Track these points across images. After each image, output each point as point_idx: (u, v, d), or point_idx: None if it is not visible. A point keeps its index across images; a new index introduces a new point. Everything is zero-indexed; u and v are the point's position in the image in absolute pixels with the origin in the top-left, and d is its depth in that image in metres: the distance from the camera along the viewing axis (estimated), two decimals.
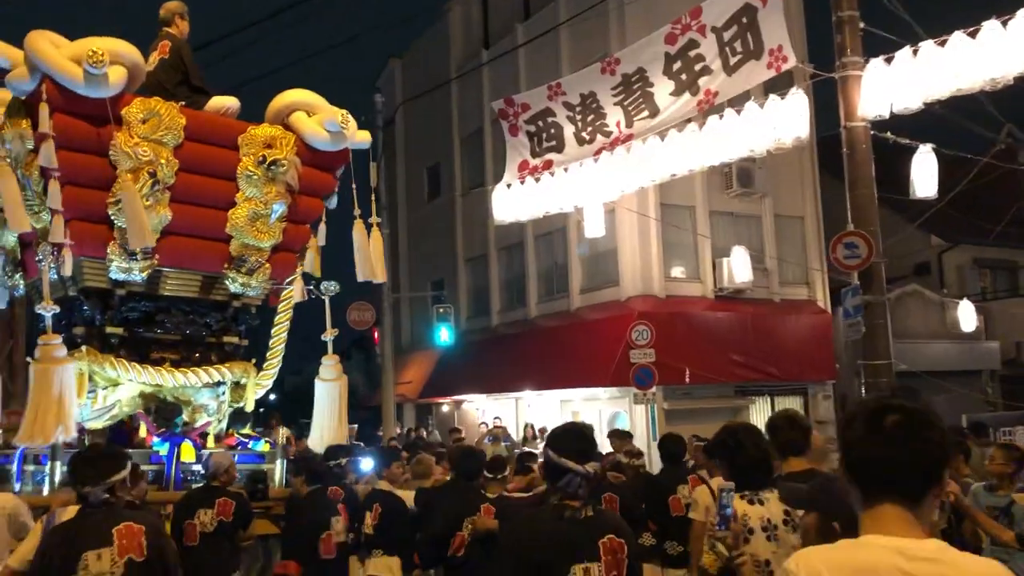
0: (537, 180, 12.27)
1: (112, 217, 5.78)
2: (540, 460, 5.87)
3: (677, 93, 10.81)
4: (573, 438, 2.95)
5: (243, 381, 6.67)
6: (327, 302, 7.27)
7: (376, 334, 18.33)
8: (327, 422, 7.09)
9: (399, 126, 22.18)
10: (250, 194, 6.26)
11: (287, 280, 6.92)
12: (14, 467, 5.94)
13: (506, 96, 12.72)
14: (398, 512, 6.09)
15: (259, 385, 6.87)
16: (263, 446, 6.86)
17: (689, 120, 10.91)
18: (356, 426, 10.19)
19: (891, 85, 9.12)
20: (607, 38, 15.28)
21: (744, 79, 10.39)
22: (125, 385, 6.13)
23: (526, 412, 17.22)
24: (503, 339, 18.21)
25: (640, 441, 13.93)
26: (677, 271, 15.63)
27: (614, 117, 11.33)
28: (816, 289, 16.89)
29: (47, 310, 5.46)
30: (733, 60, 10.32)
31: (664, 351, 13.48)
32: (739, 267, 15.24)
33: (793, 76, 12.11)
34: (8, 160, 5.63)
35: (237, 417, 7.15)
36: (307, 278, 7.24)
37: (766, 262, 16.04)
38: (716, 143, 10.65)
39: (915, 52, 8.92)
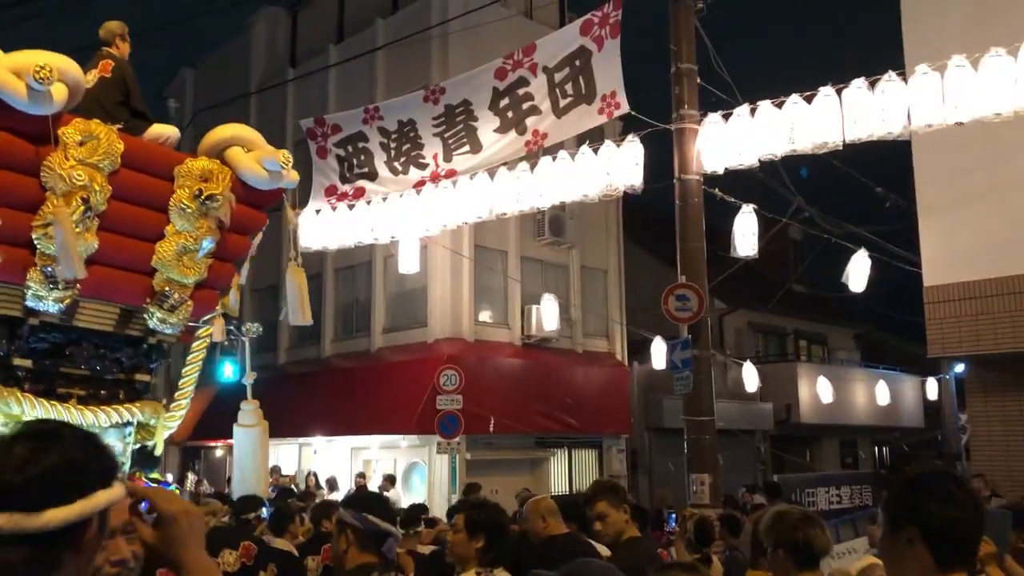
0: (351, 207, 11.41)
1: (36, 242, 5.42)
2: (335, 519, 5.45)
3: (502, 131, 10.43)
4: (378, 501, 3.06)
5: (152, 422, 6.32)
6: (246, 343, 7.40)
7: None
8: (248, 471, 6.95)
9: (189, 137, 20.34)
10: (180, 227, 6.03)
11: (204, 319, 6.66)
12: None
13: (315, 116, 11.82)
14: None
15: (166, 427, 6.50)
16: (174, 490, 6.43)
17: (522, 159, 10.57)
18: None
19: (727, 141, 9.21)
20: (428, 67, 14.79)
21: (574, 123, 10.21)
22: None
23: (312, 460, 15.92)
24: (291, 378, 16.84)
25: (439, 494, 13.18)
26: (486, 315, 15.17)
27: (432, 149, 10.73)
28: (615, 342, 17.06)
29: None
30: (563, 103, 10.09)
31: (470, 398, 12.91)
32: (548, 315, 14.98)
33: (604, 129, 12.07)
34: None
35: (144, 461, 6.64)
36: (226, 318, 7.03)
37: (571, 312, 15.98)
38: (548, 185, 10.38)
39: (753, 111, 9.06)
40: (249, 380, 7.45)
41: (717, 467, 9.27)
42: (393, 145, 10.90)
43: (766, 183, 12.26)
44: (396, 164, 10.94)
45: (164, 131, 6.81)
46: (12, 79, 5.26)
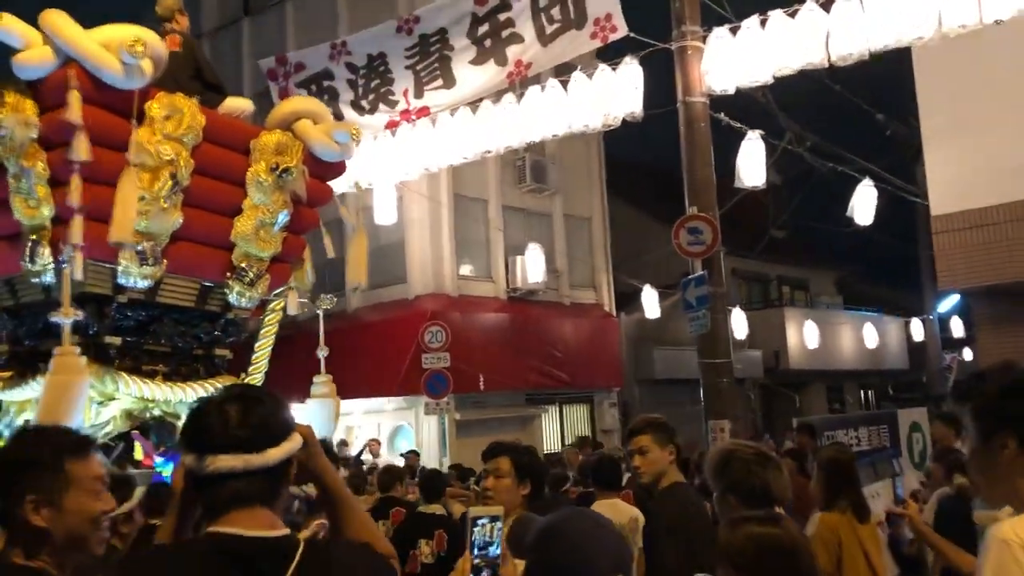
0: None
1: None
2: None
3: (479, 61, 9.52)
4: None
5: None
6: (321, 316, 7.41)
7: None
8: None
9: None
10: (258, 201, 6.15)
11: (276, 292, 6.77)
12: None
13: (276, 54, 10.84)
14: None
15: None
16: None
17: (505, 91, 9.70)
18: None
19: (736, 58, 8.43)
20: (394, 7, 13.74)
21: (562, 50, 9.35)
22: (119, 400, 5.85)
23: None
24: None
25: (428, 456, 12.44)
26: (467, 269, 14.34)
27: (402, 84, 9.80)
28: (602, 292, 16.36)
29: (66, 317, 5.06)
30: (550, 29, 9.22)
31: (457, 356, 12.14)
32: (533, 267, 14.27)
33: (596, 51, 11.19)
34: (1, 147, 5.23)
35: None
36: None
37: (556, 263, 15.21)
38: (537, 118, 9.54)
39: (763, 22, 8.27)
40: (322, 353, 7.48)
41: (736, 412, 8.60)
42: (361, 82, 9.98)
43: (763, 109, 11.53)
44: (363, 103, 10.02)
45: (239, 104, 6.90)
46: (108, 55, 5.21)
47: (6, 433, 5.99)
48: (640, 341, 17.03)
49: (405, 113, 9.73)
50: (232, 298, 6.30)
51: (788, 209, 16.50)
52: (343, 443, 13.54)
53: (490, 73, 9.41)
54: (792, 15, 8.08)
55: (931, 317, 22.22)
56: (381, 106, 9.74)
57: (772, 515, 2.21)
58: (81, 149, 5.10)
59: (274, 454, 1.60)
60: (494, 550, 1.82)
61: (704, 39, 8.69)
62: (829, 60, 7.89)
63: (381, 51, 9.74)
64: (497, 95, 9.70)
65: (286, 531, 1.61)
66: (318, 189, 6.65)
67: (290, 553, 1.55)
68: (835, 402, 23.24)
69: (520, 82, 9.58)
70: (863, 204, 11.58)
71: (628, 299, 16.81)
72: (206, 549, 1.55)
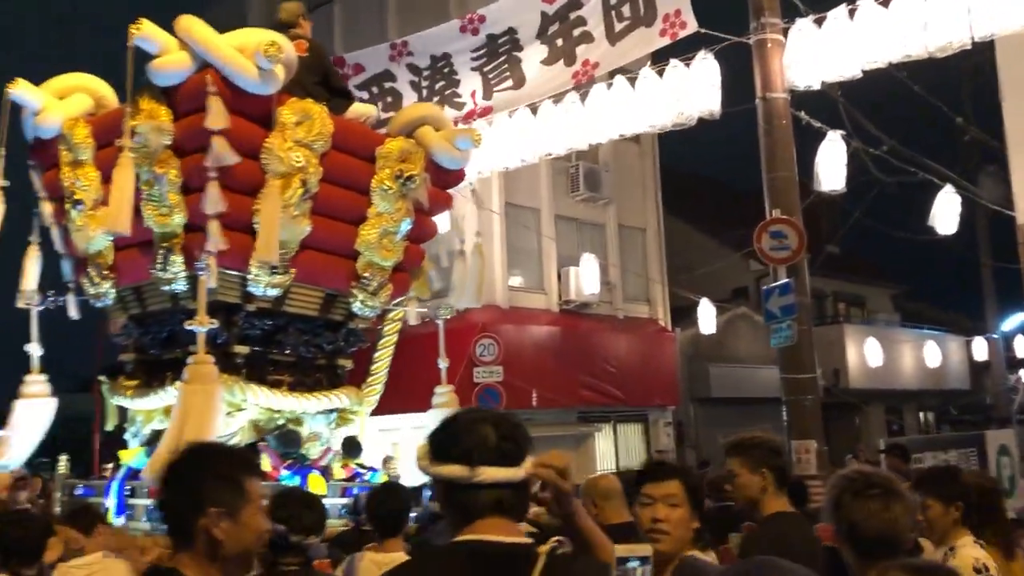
0: None
1: (256, 226, 5.40)
2: None
3: (549, 62, 9.15)
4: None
5: (354, 407, 6.46)
6: (441, 325, 7.47)
7: None
8: None
9: None
10: (382, 209, 6.10)
11: (396, 301, 6.76)
12: (111, 499, 5.66)
13: (333, 57, 10.47)
14: None
15: (363, 412, 6.63)
16: (381, 478, 6.43)
17: (569, 90, 9.22)
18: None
19: (821, 51, 7.85)
20: (446, 7, 13.31)
21: (629, 49, 8.93)
22: (246, 410, 5.81)
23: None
24: None
25: None
26: (517, 280, 13.79)
27: (469, 86, 9.46)
28: (657, 306, 15.71)
29: (203, 326, 5.04)
30: (619, 27, 8.81)
31: (508, 370, 11.63)
32: (587, 278, 13.68)
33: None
34: (134, 153, 5.18)
35: (349, 448, 6.62)
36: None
37: (610, 275, 14.61)
38: (602, 118, 9.05)
39: (852, 12, 7.69)
40: (444, 363, 7.51)
41: (821, 432, 7.95)
42: (425, 84, 9.60)
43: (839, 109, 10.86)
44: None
45: (364, 110, 6.82)
46: (244, 60, 5.14)
47: (133, 443, 6.05)
48: (695, 358, 16.35)
49: (469, 115, 9.33)
50: (355, 307, 6.27)
51: (850, 221, 15.74)
52: (388, 459, 13.02)
53: (556, 71, 9.05)
54: (884, 3, 7.50)
55: (995, 336, 21.29)
56: (446, 108, 9.32)
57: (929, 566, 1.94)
58: (222, 155, 5.04)
59: (521, 469, 1.71)
60: None
61: (785, 32, 8.14)
62: (927, 50, 7.33)
63: (445, 52, 9.43)
64: (558, 96, 9.24)
65: (529, 540, 1.71)
66: (439, 197, 6.57)
67: (533, 561, 1.63)
68: (894, 423, 22.32)
69: (585, 82, 9.15)
70: (945, 213, 10.84)
71: (682, 314, 16.16)
72: (468, 553, 1.64)
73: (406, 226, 6.23)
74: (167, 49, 5.30)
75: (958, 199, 11.08)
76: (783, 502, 3.25)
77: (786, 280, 7.62)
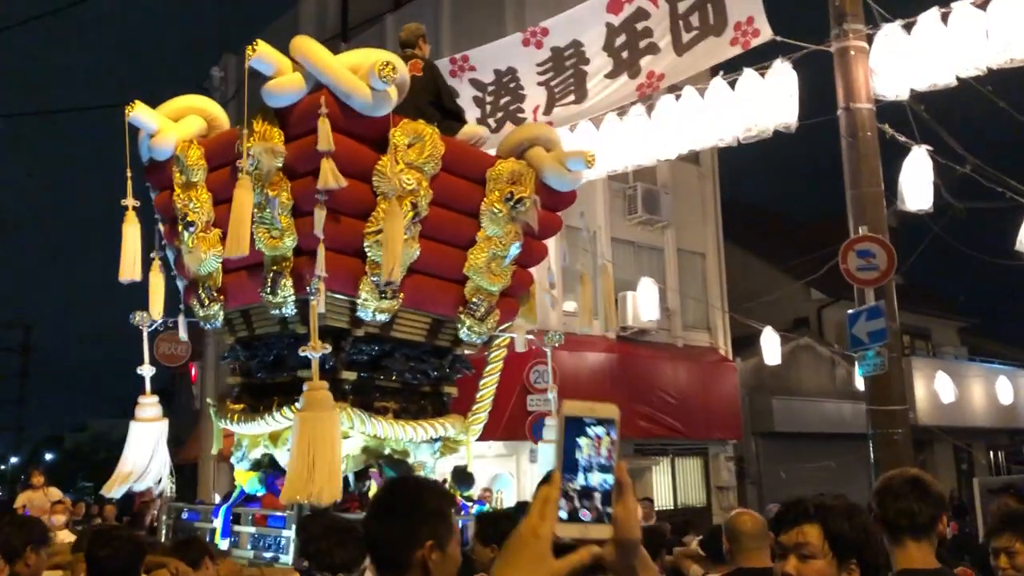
0: None
1: (367, 250, 5.39)
2: None
3: (613, 75, 8.79)
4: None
5: (461, 436, 6.32)
6: (548, 353, 7.39)
7: (194, 372, 14.70)
8: None
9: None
10: (491, 233, 5.98)
11: (503, 327, 6.64)
12: (216, 524, 5.71)
13: None
14: None
15: (468, 441, 6.49)
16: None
17: (635, 102, 8.81)
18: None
19: (910, 58, 7.32)
20: (502, 29, 13.00)
21: (697, 59, 8.52)
22: (353, 438, 5.72)
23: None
24: None
25: None
26: (572, 305, 13.27)
27: (533, 101, 9.15)
28: (718, 334, 15.08)
29: (317, 351, 4.99)
30: (687, 37, 8.39)
31: (564, 398, 11.00)
32: (645, 303, 13.12)
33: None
34: (250, 176, 5.23)
35: (460, 479, 6.66)
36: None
37: (669, 301, 14.04)
38: (670, 131, 8.61)
39: (945, 16, 7.15)
40: (553, 392, 7.37)
41: (933, 470, 7.28)
42: (489, 99, 9.28)
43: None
44: (490, 121, 9.29)
45: (476, 131, 6.70)
46: (358, 81, 5.13)
47: (240, 465, 6.01)
48: (757, 389, 15.65)
49: None
50: (463, 333, 6.16)
51: (920, 246, 15.00)
52: (487, 491, 12.59)
53: (620, 83, 8.66)
54: (982, 5, 6.96)
55: None
56: (508, 124, 8.97)
57: None
58: (330, 177, 4.96)
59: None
60: (605, 479, 1.15)
61: (869, 38, 7.63)
62: None
63: (510, 66, 9.13)
64: (623, 108, 8.82)
65: None
66: (548, 220, 6.41)
67: None
68: (963, 463, 21.26)
69: (650, 94, 8.73)
70: (916, 182, 9.99)
71: (742, 343, 15.51)
72: None
73: (515, 250, 6.06)
74: (281, 70, 5.28)
75: None
76: None
77: (875, 303, 7.02)
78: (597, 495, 1.13)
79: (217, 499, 13.11)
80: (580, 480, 1.13)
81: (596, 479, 1.14)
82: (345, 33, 17.09)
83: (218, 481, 17.41)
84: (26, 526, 3.45)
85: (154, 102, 6.11)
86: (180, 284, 6.35)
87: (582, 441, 1.15)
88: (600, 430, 1.17)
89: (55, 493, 8.44)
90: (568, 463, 1.14)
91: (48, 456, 40.59)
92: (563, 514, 1.12)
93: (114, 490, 5.99)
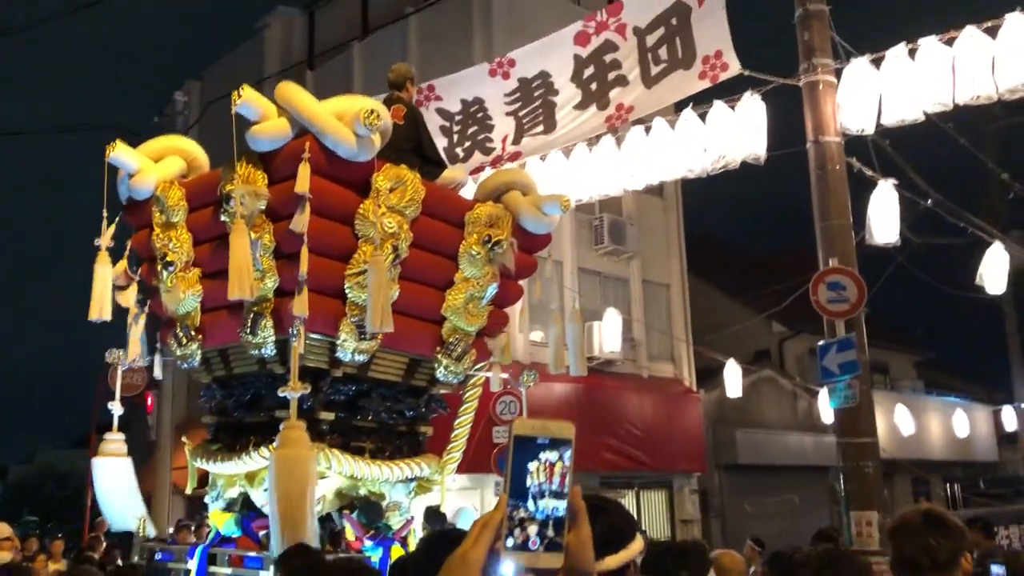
0: None
1: (347, 291, 5.49)
2: None
3: (582, 107, 8.75)
4: None
5: (436, 476, 6.38)
6: (523, 393, 7.49)
7: (150, 401, 14.31)
8: None
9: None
10: (469, 274, 6.13)
11: (478, 367, 6.73)
12: (191, 565, 5.69)
13: None
14: None
15: (440, 481, 6.58)
16: None
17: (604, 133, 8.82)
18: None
19: (879, 92, 7.42)
20: (469, 50, 13.01)
21: (666, 92, 8.51)
22: (328, 478, 5.73)
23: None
24: None
25: None
26: (539, 335, 13.20)
27: (501, 131, 9.06)
28: (682, 366, 15.06)
29: (296, 392, 5.05)
30: (655, 70, 8.40)
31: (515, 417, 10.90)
32: (611, 334, 13.07)
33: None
34: (228, 217, 5.33)
35: (433, 518, 6.91)
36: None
37: (634, 331, 14.01)
38: (640, 162, 8.61)
39: (912, 52, 7.27)
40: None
41: (885, 502, 7.29)
42: (457, 128, 9.18)
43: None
44: (458, 150, 9.20)
45: (455, 176, 6.94)
46: (343, 128, 5.27)
47: (215, 505, 6.02)
48: (720, 421, 15.65)
49: (496, 160, 8.90)
50: (439, 373, 6.22)
51: (879, 281, 15.19)
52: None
53: (589, 115, 8.61)
54: (949, 42, 7.08)
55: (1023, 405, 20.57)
56: (476, 154, 8.89)
57: None
58: (303, 221, 5.08)
59: (611, 562, 1.76)
60: (557, 505, 1.10)
61: (837, 73, 7.73)
62: (997, 92, 6.89)
63: (477, 96, 9.03)
64: (592, 140, 8.82)
65: None
66: (524, 262, 6.55)
67: None
68: (920, 495, 21.46)
69: (619, 126, 8.74)
70: (994, 270, 10.29)
71: (705, 375, 15.52)
72: None
73: (492, 291, 6.16)
74: (266, 115, 5.38)
75: (1007, 257, 10.56)
76: None
77: (848, 335, 7.03)
78: (549, 522, 1.09)
79: (170, 531, 12.74)
80: (529, 506, 1.09)
81: (547, 506, 1.09)
82: (311, 60, 16.99)
83: (172, 514, 16.91)
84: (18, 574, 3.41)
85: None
86: (156, 323, 6.40)
87: (532, 466, 1.12)
88: (553, 455, 1.13)
89: (3, 529, 8.03)
90: (516, 488, 1.10)
91: None
92: (511, 541, 1.07)
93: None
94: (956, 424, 20.39)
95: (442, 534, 4.07)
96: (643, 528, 13.80)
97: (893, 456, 18.62)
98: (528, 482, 1.10)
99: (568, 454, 1.12)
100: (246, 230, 5.23)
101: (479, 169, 9.10)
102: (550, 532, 1.08)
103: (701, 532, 14.35)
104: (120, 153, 5.90)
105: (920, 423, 19.53)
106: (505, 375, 7.34)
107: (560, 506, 1.09)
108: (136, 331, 6.34)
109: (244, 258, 5.17)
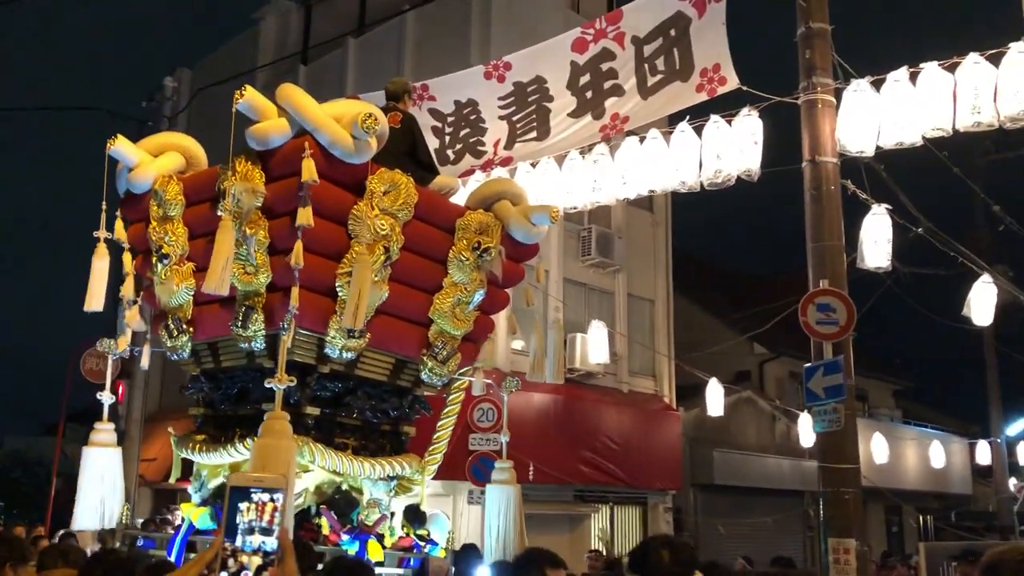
0: None
1: (338, 289, 5.61)
2: None
3: (577, 114, 8.64)
4: None
5: (416, 475, 6.52)
6: (505, 398, 7.48)
7: (121, 390, 14.02)
8: (507, 530, 6.67)
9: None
10: (457, 279, 6.27)
11: (462, 371, 6.87)
12: (172, 555, 5.72)
13: (348, 96, 9.96)
14: None
15: (420, 481, 6.69)
16: (440, 552, 6.47)
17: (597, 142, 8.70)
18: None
19: (878, 115, 7.34)
20: (466, 61, 12.89)
21: (663, 104, 8.40)
22: (313, 472, 5.93)
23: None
24: None
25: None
26: (521, 343, 13.03)
27: (495, 135, 8.94)
28: (663, 382, 14.95)
29: (282, 384, 5.03)
30: (652, 80, 8.29)
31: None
32: (595, 346, 12.93)
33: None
34: (231, 215, 5.42)
35: (413, 517, 6.67)
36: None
37: (617, 345, 13.88)
38: (633, 172, 8.48)
39: (913, 76, 7.20)
40: (504, 438, 7.39)
41: (865, 531, 7.17)
42: (449, 130, 9.04)
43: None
44: (448, 152, 9.05)
45: (448, 182, 7.09)
46: (341, 130, 5.42)
47: (195, 497, 6.11)
48: (698, 440, 15.54)
49: (487, 164, 8.77)
50: (424, 375, 6.39)
51: (866, 306, 15.17)
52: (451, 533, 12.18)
53: (583, 124, 8.52)
54: (950, 68, 7.02)
55: (999, 440, 20.59)
56: (467, 156, 8.78)
57: None
58: (306, 215, 5.20)
59: None
60: (268, 540, 1.27)
61: (836, 93, 7.65)
62: (998, 119, 6.82)
63: (471, 98, 8.89)
64: (586, 148, 8.70)
65: None
66: (512, 270, 6.72)
67: None
68: (893, 525, 21.45)
69: (614, 136, 8.63)
70: (981, 302, 10.26)
71: (685, 393, 15.41)
72: None
73: (479, 297, 6.34)
74: (266, 115, 5.51)
75: (994, 289, 10.54)
76: None
77: (835, 358, 6.92)
78: (257, 556, 1.25)
79: (139, 523, 12.48)
80: (238, 541, 1.26)
81: (255, 540, 1.26)
82: (306, 54, 16.82)
83: (139, 506, 16.61)
84: (5, 544, 3.41)
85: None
86: (147, 314, 6.53)
87: (243, 505, 1.29)
88: (265, 496, 1.29)
89: None
90: (230, 527, 1.28)
91: None
92: (225, 573, 1.22)
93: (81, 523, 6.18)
94: (932, 455, 20.39)
95: (155, 566, 4.07)
96: (614, 544, 13.68)
97: (871, 484, 18.66)
98: (238, 520, 1.25)
99: (279, 496, 1.25)
100: (232, 227, 5.32)
101: (469, 172, 8.98)
102: (260, 564, 1.22)
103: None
104: (120, 147, 6.05)
105: (897, 452, 19.53)
106: (488, 380, 7.41)
107: (268, 541, 1.24)
108: (133, 322, 6.43)
109: (226, 254, 5.24)
